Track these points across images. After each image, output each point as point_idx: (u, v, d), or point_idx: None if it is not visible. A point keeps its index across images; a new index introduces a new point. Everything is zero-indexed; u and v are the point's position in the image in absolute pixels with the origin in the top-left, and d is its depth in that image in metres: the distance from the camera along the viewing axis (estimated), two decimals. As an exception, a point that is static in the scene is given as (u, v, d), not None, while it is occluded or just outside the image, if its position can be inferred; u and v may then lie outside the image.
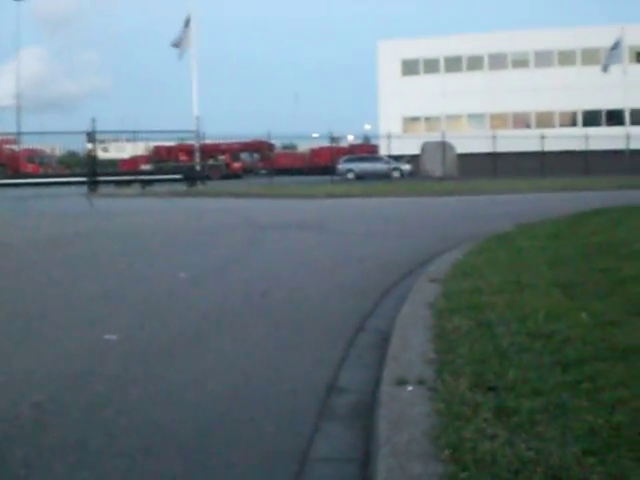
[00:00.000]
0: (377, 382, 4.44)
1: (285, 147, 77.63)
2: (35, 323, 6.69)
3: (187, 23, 38.61)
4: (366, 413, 4.09)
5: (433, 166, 49.74)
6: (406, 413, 3.62)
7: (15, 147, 67.55)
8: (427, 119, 61.18)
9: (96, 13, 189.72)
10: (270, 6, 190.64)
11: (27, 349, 5.72)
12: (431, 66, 61.09)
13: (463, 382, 3.94)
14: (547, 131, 52.68)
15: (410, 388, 3.99)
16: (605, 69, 49.30)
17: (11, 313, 7.18)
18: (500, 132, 52.02)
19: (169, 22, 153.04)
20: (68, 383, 4.78)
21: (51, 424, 4.02)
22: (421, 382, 4.05)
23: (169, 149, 63.09)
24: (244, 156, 66.47)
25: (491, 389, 3.84)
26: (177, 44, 39.04)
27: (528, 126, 58.21)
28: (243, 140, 61.42)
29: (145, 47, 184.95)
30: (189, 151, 48.05)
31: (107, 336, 5.94)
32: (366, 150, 65.84)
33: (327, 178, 47.48)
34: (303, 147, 78.22)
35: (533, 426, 3.31)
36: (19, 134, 65.07)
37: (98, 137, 37.82)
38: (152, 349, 5.65)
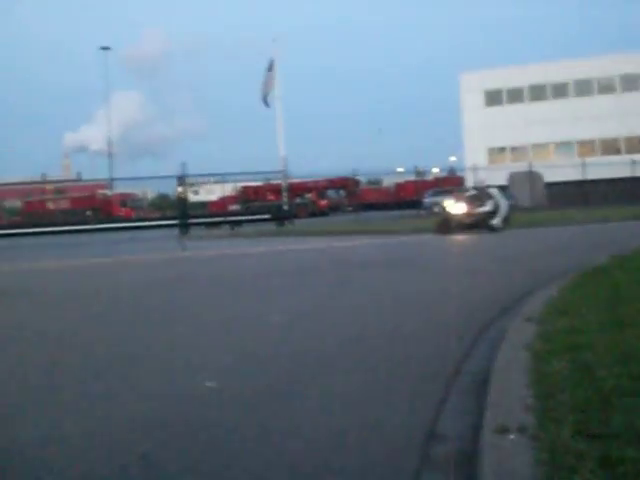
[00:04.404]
0: (476, 429, 4.40)
1: (370, 183, 78.01)
2: (133, 369, 6.88)
3: (270, 67, 39.32)
4: (467, 462, 4.05)
5: (521, 196, 49.13)
6: (508, 463, 3.59)
7: (108, 192, 69.89)
8: (513, 149, 60.61)
9: (181, 59, 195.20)
10: (351, 42, 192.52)
11: (127, 396, 5.87)
12: (515, 96, 60.62)
13: (566, 430, 3.88)
14: (637, 156, 51.49)
15: (512, 436, 3.95)
16: None
17: (109, 359, 7.39)
18: (589, 159, 51.05)
19: (252, 66, 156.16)
20: (171, 432, 4.89)
21: (159, 475, 4.13)
22: (522, 430, 4.00)
23: (256, 189, 64.03)
24: (330, 193, 67.10)
25: (595, 437, 3.77)
26: (263, 93, 39.71)
27: (618, 152, 57.00)
28: (329, 177, 62.01)
29: (231, 91, 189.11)
30: (276, 190, 48.71)
31: (208, 383, 6.07)
32: (452, 183, 65.56)
33: (413, 212, 47.45)
34: (388, 182, 78.41)
35: (639, 476, 3.24)
36: (112, 180, 67.29)
37: (188, 180, 38.70)
38: (250, 396, 5.73)
